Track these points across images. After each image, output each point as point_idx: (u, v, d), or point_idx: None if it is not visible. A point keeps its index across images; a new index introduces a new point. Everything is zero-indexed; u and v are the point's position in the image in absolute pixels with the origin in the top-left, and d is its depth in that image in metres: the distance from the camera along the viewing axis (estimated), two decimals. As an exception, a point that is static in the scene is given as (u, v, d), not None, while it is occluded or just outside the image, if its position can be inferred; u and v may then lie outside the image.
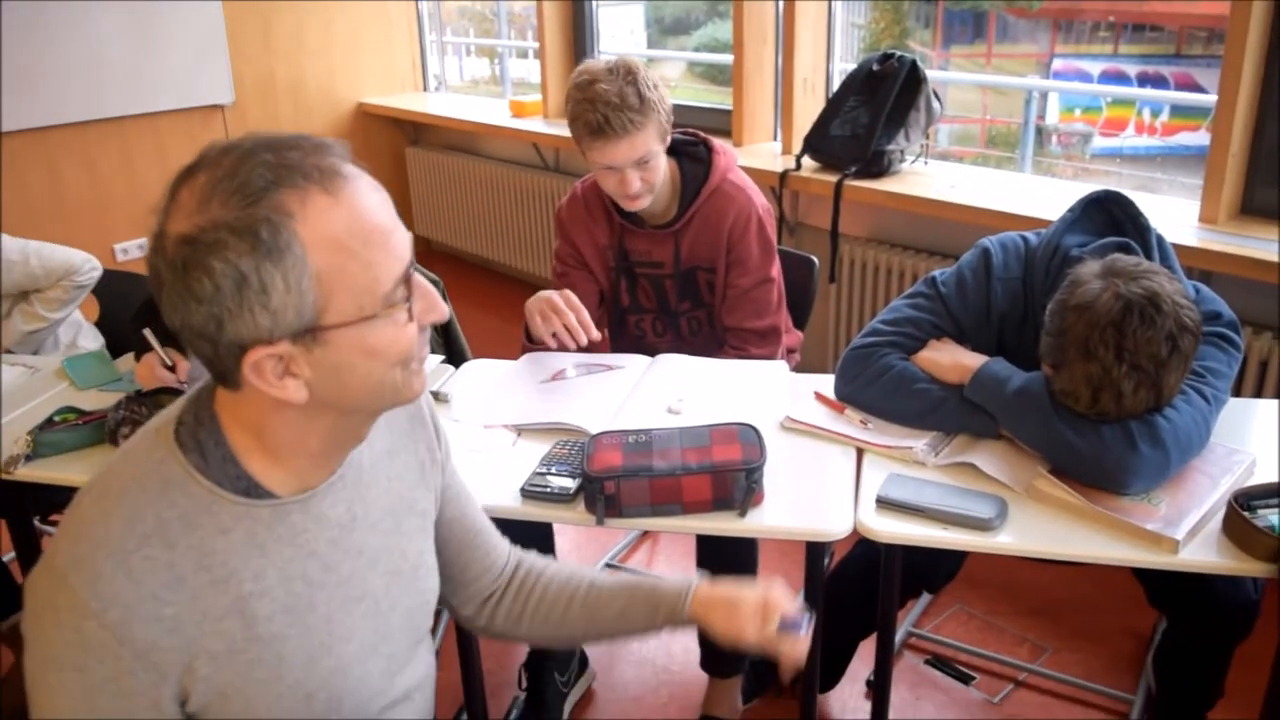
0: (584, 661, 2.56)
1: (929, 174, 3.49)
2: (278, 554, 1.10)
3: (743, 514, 1.71)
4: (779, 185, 3.62)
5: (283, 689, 1.11)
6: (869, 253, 3.58)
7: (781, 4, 3.82)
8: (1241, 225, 2.80)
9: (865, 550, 2.20)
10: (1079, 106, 4.52)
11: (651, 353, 2.36)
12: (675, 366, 2.29)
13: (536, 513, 1.77)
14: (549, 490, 1.78)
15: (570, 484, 1.78)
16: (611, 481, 1.70)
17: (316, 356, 0.99)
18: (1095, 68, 4.75)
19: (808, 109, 3.76)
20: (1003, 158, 4.24)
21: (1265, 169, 2.80)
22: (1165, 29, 4.54)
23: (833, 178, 3.46)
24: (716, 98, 4.66)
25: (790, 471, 1.84)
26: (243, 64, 5.12)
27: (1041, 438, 1.75)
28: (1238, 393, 2.65)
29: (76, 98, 4.60)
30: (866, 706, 2.44)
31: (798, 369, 2.40)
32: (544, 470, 1.83)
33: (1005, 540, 1.65)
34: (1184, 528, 1.59)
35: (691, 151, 2.42)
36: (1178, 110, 4.25)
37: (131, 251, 4.95)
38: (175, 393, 2.08)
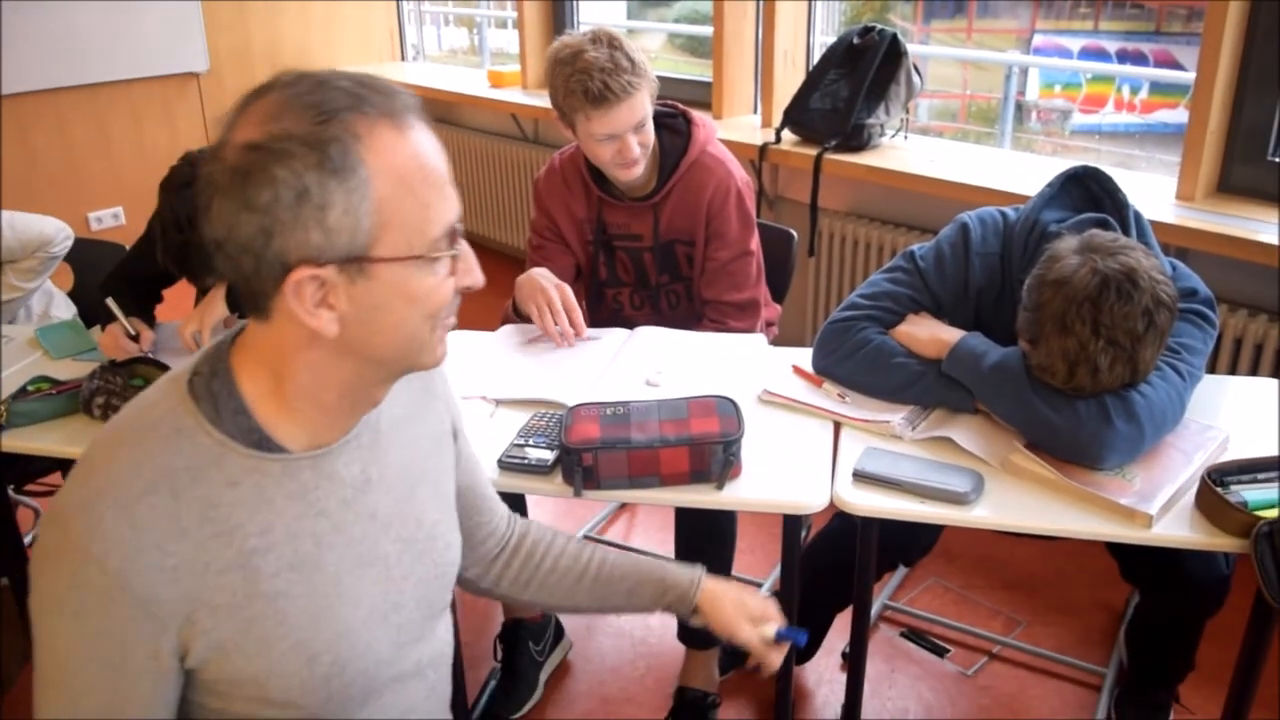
0: (560, 632, 2.57)
1: (909, 148, 3.48)
2: (286, 509, 1.08)
3: (720, 486, 1.71)
4: (758, 158, 3.61)
5: (285, 648, 1.09)
6: (848, 227, 3.57)
7: (763, -24, 3.80)
8: (1218, 203, 2.81)
9: (842, 523, 2.21)
10: (1059, 83, 4.52)
11: (629, 326, 2.36)
12: (654, 339, 2.28)
13: (514, 484, 1.76)
14: (527, 462, 1.78)
15: (548, 456, 1.78)
16: (589, 453, 1.69)
17: (358, 290, 0.99)
18: (1075, 44, 4.75)
19: (788, 82, 3.74)
20: (982, 133, 4.24)
21: (1243, 147, 2.81)
22: (1145, 6, 4.54)
23: (812, 151, 3.45)
24: (696, 70, 4.64)
25: (768, 444, 1.84)
26: (218, 32, 5.07)
27: (1017, 412, 1.75)
28: (1212, 369, 2.66)
29: (48, 64, 4.54)
30: (842, 678, 2.46)
31: (776, 342, 2.40)
32: (522, 442, 1.83)
33: (981, 514, 1.66)
34: (1157, 503, 1.60)
35: (671, 124, 2.40)
36: (1157, 87, 4.26)
37: (105, 220, 4.90)
38: (152, 362, 2.07)
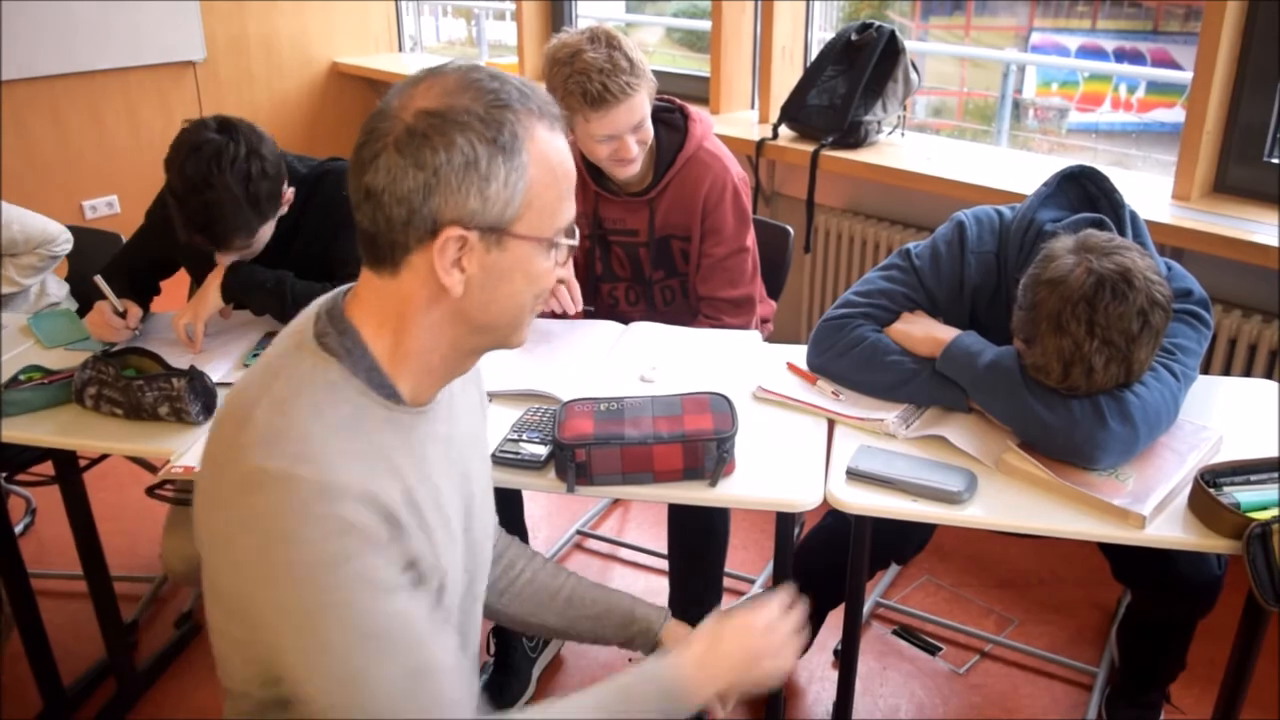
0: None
1: (905, 145, 3.48)
2: (419, 455, 1.16)
3: (713, 483, 1.71)
4: (755, 154, 3.60)
5: (453, 569, 1.21)
6: (844, 223, 3.57)
7: (761, -29, 3.79)
8: (1214, 203, 2.81)
9: (835, 521, 2.21)
10: (1056, 81, 4.51)
11: (625, 321, 2.36)
12: (648, 335, 2.28)
13: (508, 479, 1.76)
14: (520, 457, 1.77)
15: (541, 451, 1.78)
16: (583, 449, 1.69)
17: (491, 258, 1.09)
18: (1073, 42, 4.74)
19: (785, 78, 3.74)
20: (979, 131, 4.23)
21: (1239, 147, 2.81)
22: (1143, 5, 4.53)
23: (809, 147, 3.45)
24: (694, 64, 4.63)
25: (761, 442, 1.84)
26: (215, 20, 5.05)
27: (1012, 412, 1.75)
28: (1206, 370, 2.67)
29: (44, 51, 4.51)
30: (834, 676, 2.46)
31: (770, 339, 2.40)
32: (515, 437, 1.82)
33: (974, 513, 1.66)
34: (1151, 503, 1.60)
35: (668, 119, 2.40)
36: (1154, 87, 4.25)
37: (99, 208, 4.89)
38: (143, 353, 2.06)
